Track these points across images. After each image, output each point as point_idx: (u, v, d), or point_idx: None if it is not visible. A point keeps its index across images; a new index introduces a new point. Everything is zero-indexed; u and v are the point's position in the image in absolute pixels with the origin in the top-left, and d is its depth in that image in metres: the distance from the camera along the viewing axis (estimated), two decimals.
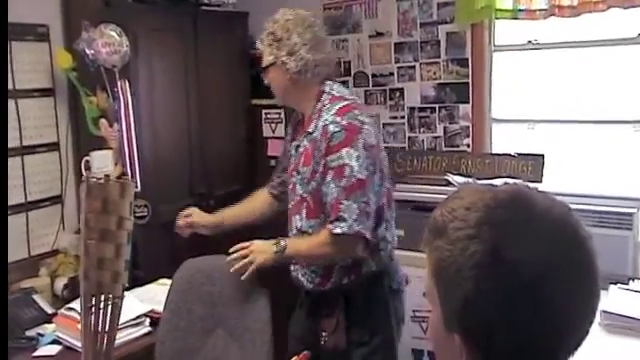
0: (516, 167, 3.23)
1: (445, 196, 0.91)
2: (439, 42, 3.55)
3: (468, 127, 3.53)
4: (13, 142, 2.98)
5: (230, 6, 3.74)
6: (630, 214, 2.88)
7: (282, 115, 3.71)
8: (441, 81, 3.58)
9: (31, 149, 3.10)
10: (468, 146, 3.53)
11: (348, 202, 2.08)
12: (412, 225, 3.07)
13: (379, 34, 3.75)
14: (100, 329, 1.54)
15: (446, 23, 3.51)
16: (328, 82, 2.28)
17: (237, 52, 3.69)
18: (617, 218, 2.88)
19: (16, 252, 2.97)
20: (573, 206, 0.87)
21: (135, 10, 3.25)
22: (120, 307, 1.56)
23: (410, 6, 3.61)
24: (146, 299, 2.65)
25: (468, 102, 3.51)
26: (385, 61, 3.75)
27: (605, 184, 3.16)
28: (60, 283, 2.94)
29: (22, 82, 3.03)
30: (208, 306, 2.29)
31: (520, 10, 3.12)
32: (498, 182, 0.92)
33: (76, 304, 2.32)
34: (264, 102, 3.66)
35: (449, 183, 3.20)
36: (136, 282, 2.88)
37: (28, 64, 3.07)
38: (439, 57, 3.56)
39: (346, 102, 2.21)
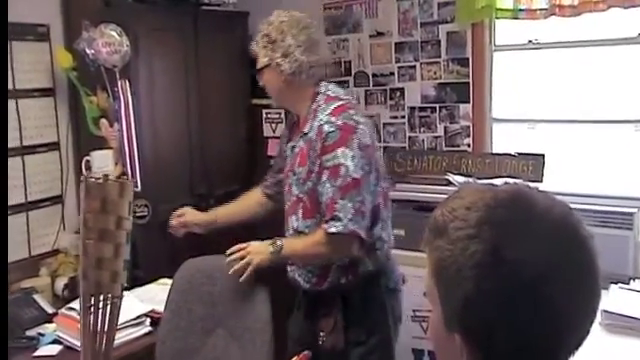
0: (517, 167, 3.23)
1: (446, 196, 0.91)
2: (439, 42, 3.55)
3: (468, 127, 3.53)
4: (13, 142, 2.98)
5: (230, 6, 3.74)
6: (631, 214, 2.88)
7: (282, 115, 3.71)
8: (441, 81, 3.58)
9: (31, 149, 3.10)
10: (469, 146, 3.53)
11: (343, 201, 2.09)
12: (413, 225, 3.08)
13: (379, 34, 3.75)
14: (99, 329, 1.53)
15: (446, 23, 3.51)
16: (323, 83, 2.29)
17: (237, 52, 3.69)
18: (618, 218, 2.88)
19: (17, 252, 2.97)
20: (574, 206, 0.87)
21: (135, 10, 3.25)
22: (119, 307, 1.56)
23: (410, 6, 3.61)
24: (146, 299, 2.65)
25: (468, 102, 3.51)
26: (385, 61, 3.75)
27: (606, 184, 3.16)
28: (60, 283, 2.94)
29: (22, 82, 3.03)
30: (208, 306, 2.29)
31: (520, 10, 3.12)
32: (498, 182, 0.92)
33: (76, 304, 2.32)
34: (264, 102, 3.65)
35: (449, 183, 3.20)
36: (136, 282, 2.88)
37: (28, 64, 3.07)
38: (439, 57, 3.56)
39: (341, 102, 2.22)
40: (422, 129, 3.68)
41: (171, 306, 2.33)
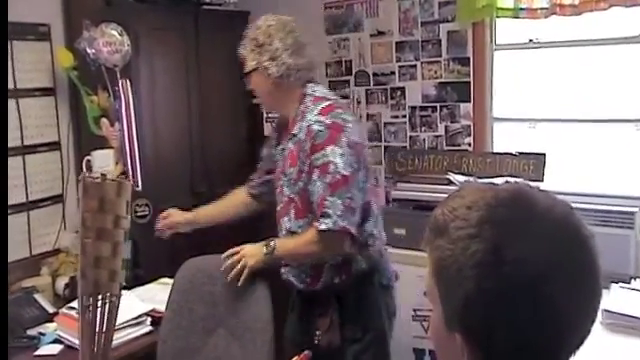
0: (517, 166, 3.22)
1: (446, 195, 0.91)
2: (440, 41, 3.55)
3: (469, 126, 3.52)
4: (14, 141, 2.98)
5: (231, 5, 3.75)
6: (632, 213, 2.87)
7: None
8: (442, 80, 3.57)
9: (32, 148, 3.10)
10: (469, 145, 3.53)
11: (332, 198, 2.10)
12: (413, 224, 3.08)
13: (380, 33, 3.74)
14: (98, 328, 1.54)
15: (447, 22, 3.51)
16: (309, 84, 2.31)
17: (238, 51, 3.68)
18: (619, 217, 2.88)
19: (17, 251, 2.97)
20: (575, 205, 0.87)
21: (136, 9, 3.25)
22: (117, 306, 1.57)
23: (411, 5, 3.61)
24: (147, 298, 2.65)
25: (469, 101, 3.51)
26: (386, 60, 3.74)
27: (607, 183, 3.16)
28: (61, 282, 2.94)
29: (23, 81, 3.04)
30: (209, 306, 2.30)
31: (521, 9, 3.12)
32: (499, 181, 0.92)
33: (77, 303, 2.32)
34: None
35: (450, 182, 3.20)
36: (137, 281, 2.89)
37: (29, 63, 3.07)
38: (440, 56, 3.56)
39: (328, 102, 2.24)
40: (423, 128, 3.67)
41: (172, 306, 2.33)
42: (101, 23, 2.93)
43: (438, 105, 3.60)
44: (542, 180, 3.11)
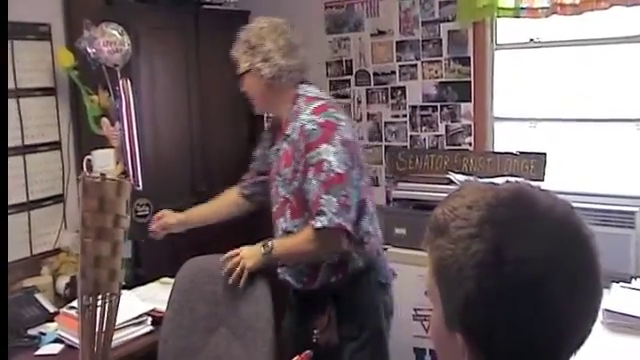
0: (518, 165, 3.22)
1: (447, 195, 0.91)
2: (441, 40, 3.55)
3: (470, 126, 3.52)
4: (15, 141, 2.98)
5: (231, 5, 3.74)
6: (632, 212, 2.88)
7: None
8: (443, 80, 3.57)
9: (33, 148, 3.10)
10: (470, 145, 3.53)
11: (328, 196, 2.11)
12: (414, 224, 3.08)
13: (381, 32, 3.74)
14: (97, 327, 1.54)
15: (448, 21, 3.51)
16: (302, 85, 2.32)
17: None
18: (619, 216, 2.88)
19: (18, 251, 2.97)
20: (575, 204, 0.87)
21: (136, 9, 3.25)
22: (117, 305, 1.57)
23: (412, 4, 3.61)
24: (148, 298, 2.65)
25: (470, 101, 3.51)
26: (387, 60, 3.74)
27: (607, 182, 3.16)
28: (62, 282, 2.94)
29: (24, 81, 3.04)
30: (211, 305, 2.30)
31: (522, 8, 3.12)
32: (500, 180, 0.92)
33: (77, 303, 2.33)
34: None
35: (451, 182, 3.20)
36: (138, 281, 2.89)
37: (30, 63, 3.07)
38: (441, 55, 3.56)
39: (321, 102, 2.26)
40: (423, 128, 3.67)
41: (173, 305, 2.33)
42: (101, 23, 2.93)
43: (439, 105, 3.60)
44: (543, 180, 3.11)
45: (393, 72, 3.73)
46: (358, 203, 2.22)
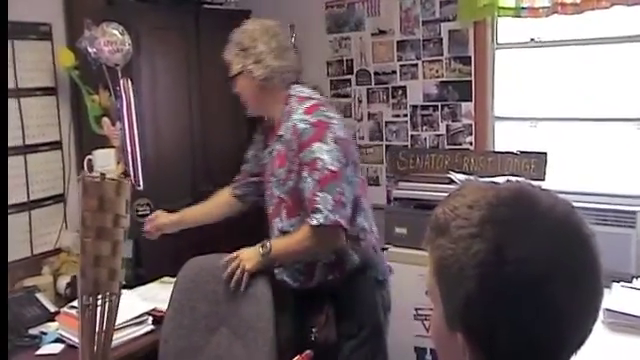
0: (519, 165, 3.22)
1: (447, 194, 0.91)
2: (441, 40, 3.55)
3: (471, 125, 3.52)
4: (16, 141, 2.98)
5: (232, 4, 3.75)
6: (633, 212, 2.87)
7: None
8: (443, 79, 3.57)
9: (34, 148, 3.10)
10: (471, 144, 3.53)
11: (323, 194, 2.13)
12: (415, 223, 3.08)
13: (381, 32, 3.74)
14: (97, 326, 1.54)
15: (449, 21, 3.51)
16: (294, 85, 2.34)
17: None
18: (620, 216, 2.88)
19: (19, 251, 2.97)
20: (576, 204, 0.87)
21: (137, 8, 3.25)
22: (117, 304, 1.57)
23: (412, 4, 3.61)
24: (149, 297, 2.66)
25: (471, 100, 3.51)
26: (387, 59, 3.74)
27: (608, 182, 3.15)
28: (63, 281, 2.94)
29: (25, 81, 3.04)
30: (212, 304, 2.30)
31: (523, 8, 3.12)
32: (500, 180, 0.91)
33: (77, 302, 2.33)
34: None
35: (452, 181, 3.20)
36: (138, 280, 2.89)
37: (31, 63, 3.07)
38: (442, 55, 3.56)
39: (313, 101, 2.28)
40: (424, 127, 3.67)
41: (174, 304, 2.33)
42: (102, 22, 2.93)
43: (439, 104, 3.60)
44: (543, 179, 3.11)
45: (394, 72, 3.73)
46: (353, 200, 2.24)
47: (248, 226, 2.61)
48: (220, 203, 2.63)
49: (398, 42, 3.69)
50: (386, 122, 3.79)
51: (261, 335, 2.18)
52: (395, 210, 3.32)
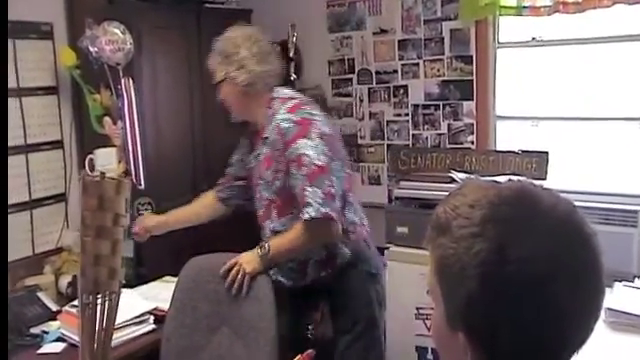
0: (520, 164, 3.22)
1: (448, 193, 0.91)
2: (443, 39, 3.54)
3: (472, 124, 3.52)
4: (17, 140, 2.98)
5: (233, 3, 3.75)
6: (635, 211, 2.87)
7: None
8: (445, 78, 3.57)
9: (35, 147, 3.10)
10: (472, 143, 3.52)
11: (312, 188, 2.16)
12: (416, 222, 3.08)
13: (383, 31, 3.74)
14: (98, 325, 1.54)
15: (450, 20, 3.50)
16: (276, 88, 2.38)
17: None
18: (622, 215, 2.88)
19: (20, 250, 2.98)
20: (578, 203, 0.87)
21: (138, 8, 3.25)
22: (117, 303, 1.57)
23: (414, 3, 3.60)
24: (150, 297, 2.65)
25: (472, 99, 3.50)
26: (389, 58, 3.74)
27: (610, 181, 3.15)
28: (64, 281, 2.94)
29: (26, 80, 3.04)
30: (214, 304, 2.30)
31: (524, 7, 3.11)
32: (502, 179, 0.91)
33: (78, 301, 2.33)
34: None
35: (453, 180, 3.20)
36: (140, 280, 2.89)
37: (32, 62, 3.07)
38: (443, 54, 3.55)
39: (295, 101, 2.32)
40: (426, 127, 3.67)
41: (176, 304, 2.33)
42: (103, 21, 2.93)
43: (441, 103, 3.60)
44: (545, 178, 3.10)
45: (395, 71, 3.72)
46: (341, 195, 2.27)
47: (249, 225, 2.61)
48: (205, 205, 2.66)
49: (399, 41, 3.69)
50: (387, 121, 3.79)
51: (262, 335, 2.18)
52: (396, 209, 3.32)
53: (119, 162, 3.00)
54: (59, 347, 2.38)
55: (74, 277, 2.91)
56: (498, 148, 3.48)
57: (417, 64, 3.65)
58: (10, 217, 2.78)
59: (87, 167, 2.97)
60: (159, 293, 2.67)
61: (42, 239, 3.13)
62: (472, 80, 3.48)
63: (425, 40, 3.60)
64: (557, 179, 3.11)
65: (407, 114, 3.72)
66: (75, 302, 2.48)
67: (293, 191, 2.22)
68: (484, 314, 0.81)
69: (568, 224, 0.83)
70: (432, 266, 0.87)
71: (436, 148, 3.60)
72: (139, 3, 3.27)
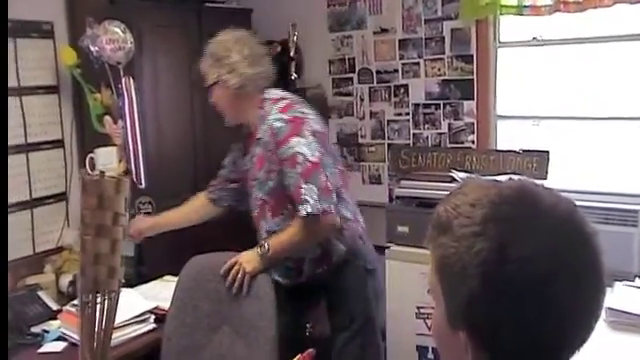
0: (521, 164, 3.22)
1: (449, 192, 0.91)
2: (444, 38, 3.54)
3: (473, 123, 3.52)
4: (18, 139, 2.98)
5: (234, 3, 3.75)
6: (635, 211, 2.87)
7: None
8: (446, 77, 3.57)
9: (36, 146, 3.10)
10: (473, 142, 3.52)
11: (307, 185, 2.18)
12: (417, 222, 3.08)
13: (383, 30, 3.74)
14: (97, 324, 1.54)
15: (451, 19, 3.50)
16: (268, 89, 2.40)
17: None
18: (622, 215, 2.88)
19: (21, 249, 2.98)
20: (578, 203, 0.87)
21: (139, 7, 3.25)
22: (117, 302, 1.57)
23: (415, 2, 3.60)
24: (151, 296, 2.65)
25: (473, 98, 3.50)
26: (389, 57, 3.74)
27: (610, 181, 3.15)
28: (65, 280, 2.94)
29: (27, 79, 3.04)
30: (214, 303, 2.30)
31: (525, 6, 3.11)
32: (502, 178, 0.91)
33: (77, 300, 2.33)
34: None
35: (454, 180, 3.20)
36: (140, 279, 2.89)
37: (33, 61, 3.07)
38: (444, 53, 3.55)
39: (287, 101, 2.35)
40: (426, 126, 3.67)
41: (177, 303, 2.33)
42: (104, 20, 2.93)
43: (441, 102, 3.60)
44: (546, 178, 3.10)
45: (396, 70, 3.72)
46: (335, 190, 2.29)
47: (249, 224, 2.61)
48: (197, 207, 2.68)
49: (400, 40, 3.68)
50: (388, 120, 3.79)
51: (263, 334, 2.18)
52: (397, 208, 3.32)
53: (120, 161, 3.00)
54: (60, 346, 2.38)
55: (75, 276, 2.91)
56: (499, 147, 3.48)
57: (418, 63, 3.64)
58: (11, 216, 2.79)
59: (88, 166, 2.97)
60: (160, 292, 2.68)
61: (43, 238, 3.13)
62: (473, 79, 3.48)
63: (426, 39, 3.60)
64: (558, 178, 3.11)
65: (408, 113, 3.72)
66: (76, 301, 2.49)
67: (287, 190, 2.23)
68: (485, 313, 0.81)
69: (569, 223, 0.83)
70: (433, 265, 0.87)
71: (437, 147, 3.60)
72: (140, 2, 3.27)
